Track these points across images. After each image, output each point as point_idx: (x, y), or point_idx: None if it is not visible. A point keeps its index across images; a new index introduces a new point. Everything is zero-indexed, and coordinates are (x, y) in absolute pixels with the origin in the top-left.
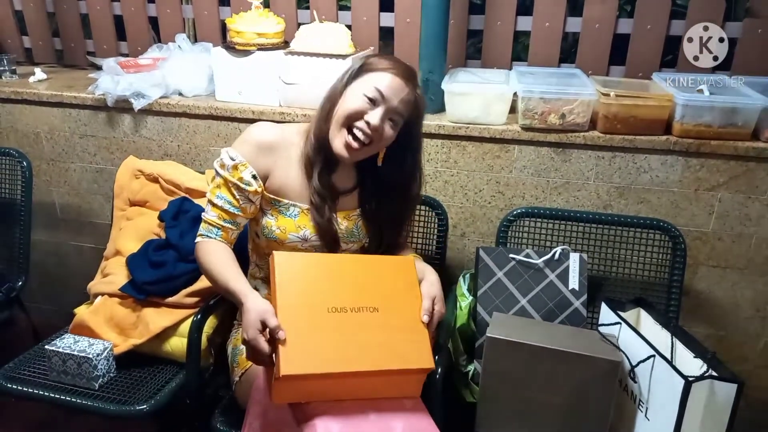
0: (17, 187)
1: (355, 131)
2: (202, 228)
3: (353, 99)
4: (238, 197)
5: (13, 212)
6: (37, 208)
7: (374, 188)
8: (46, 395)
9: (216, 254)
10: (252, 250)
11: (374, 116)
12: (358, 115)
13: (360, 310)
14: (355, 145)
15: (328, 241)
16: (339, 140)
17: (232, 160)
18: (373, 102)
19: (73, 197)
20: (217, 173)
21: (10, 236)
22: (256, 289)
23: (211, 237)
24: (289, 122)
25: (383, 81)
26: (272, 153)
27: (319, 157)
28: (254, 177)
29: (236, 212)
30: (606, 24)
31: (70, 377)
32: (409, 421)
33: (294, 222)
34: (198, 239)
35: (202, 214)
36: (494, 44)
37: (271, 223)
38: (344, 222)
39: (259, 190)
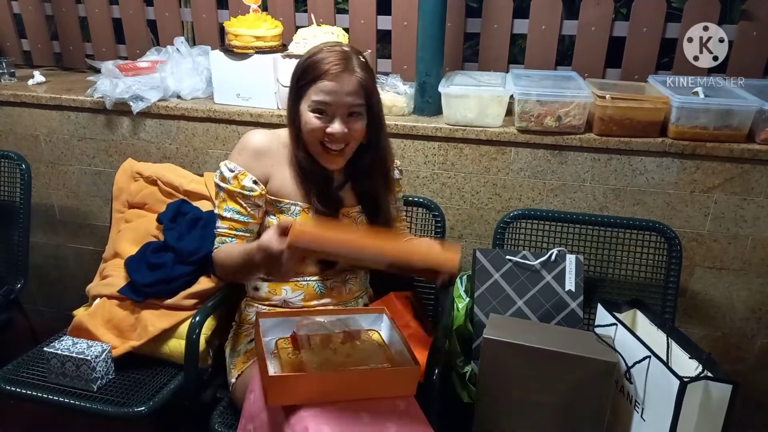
0: (16, 189)
1: (328, 144)
2: (217, 242)
3: (307, 120)
4: (245, 205)
5: (12, 215)
6: (36, 211)
7: (361, 177)
8: (44, 397)
9: (225, 250)
10: None
11: (334, 126)
12: (319, 132)
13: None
14: (333, 153)
15: None
16: (322, 158)
17: (231, 171)
18: (325, 113)
19: (72, 200)
20: (219, 187)
21: (8, 239)
22: (255, 289)
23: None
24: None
25: (321, 91)
26: (268, 157)
27: (308, 178)
28: (255, 182)
29: (247, 220)
30: (602, 27)
31: (69, 379)
32: (402, 422)
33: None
34: (214, 252)
35: (215, 229)
36: (491, 47)
37: (275, 223)
38: (344, 219)
39: (264, 192)
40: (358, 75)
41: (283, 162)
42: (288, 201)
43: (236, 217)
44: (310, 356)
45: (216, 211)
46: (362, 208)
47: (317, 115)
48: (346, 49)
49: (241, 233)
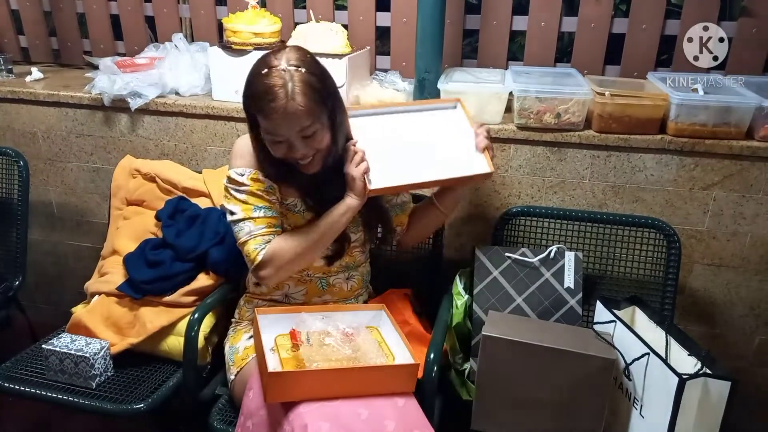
0: (14, 186)
1: (298, 161)
2: (256, 245)
3: (271, 149)
4: (272, 200)
5: (10, 212)
6: (34, 208)
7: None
8: (43, 394)
9: (286, 240)
10: None
11: (297, 152)
12: (286, 157)
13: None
14: (309, 165)
15: (337, 240)
16: (298, 168)
17: (242, 175)
18: (282, 143)
19: (70, 196)
20: (236, 193)
21: (7, 236)
22: (257, 284)
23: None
24: None
25: (269, 130)
26: None
27: (293, 186)
28: (267, 176)
29: (277, 215)
30: (601, 23)
31: (68, 376)
32: (401, 419)
33: (301, 217)
34: (259, 257)
35: (247, 235)
36: (490, 44)
37: (281, 222)
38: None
39: (276, 187)
40: (297, 102)
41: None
42: (291, 199)
43: (270, 213)
44: (309, 353)
45: (240, 216)
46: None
47: (275, 145)
48: (283, 69)
49: (278, 229)
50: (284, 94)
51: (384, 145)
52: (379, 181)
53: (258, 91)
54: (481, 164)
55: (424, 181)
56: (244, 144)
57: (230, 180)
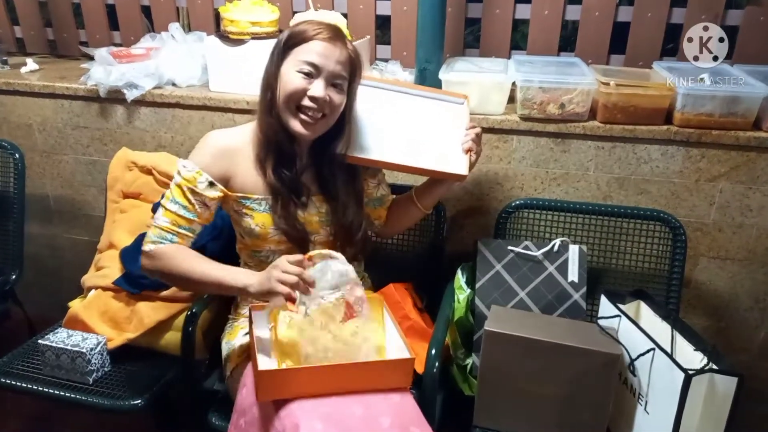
0: (10, 179)
1: (304, 110)
2: (153, 235)
3: (289, 79)
4: (193, 201)
5: (6, 205)
6: (30, 201)
7: (326, 163)
8: (40, 390)
9: (180, 254)
10: (240, 249)
11: (316, 89)
12: (300, 93)
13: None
14: (308, 119)
15: (296, 238)
16: (294, 123)
17: (185, 167)
18: (310, 76)
19: (67, 189)
20: (174, 180)
21: (3, 229)
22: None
23: (165, 243)
24: None
25: (312, 51)
26: (230, 156)
27: (271, 152)
28: (211, 183)
29: (192, 217)
30: (606, 12)
31: (64, 372)
32: (397, 416)
33: (270, 216)
34: (149, 247)
35: (152, 221)
36: (492, 32)
37: (249, 222)
38: (313, 210)
39: (220, 195)
40: (348, 48)
41: (248, 158)
42: (256, 196)
43: (181, 212)
44: (308, 328)
45: (161, 202)
46: (324, 197)
47: (303, 75)
48: (339, 28)
49: (183, 231)
50: (337, 34)
51: (377, 118)
52: (356, 151)
53: (311, 25)
54: (458, 164)
55: (399, 163)
56: (212, 140)
57: (177, 169)
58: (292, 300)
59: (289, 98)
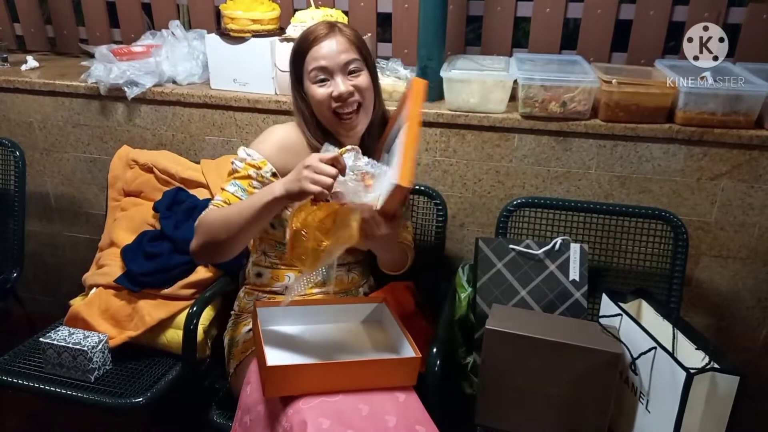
0: (10, 177)
1: (340, 112)
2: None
3: (313, 93)
4: (255, 186)
5: (6, 203)
6: (30, 199)
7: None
8: (41, 388)
9: (216, 210)
10: (262, 239)
11: (337, 87)
12: (328, 100)
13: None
14: (349, 119)
15: None
16: (339, 129)
17: (251, 157)
18: (326, 80)
19: (67, 187)
20: (235, 166)
21: (4, 227)
22: (258, 275)
23: None
24: (285, 111)
25: (315, 57)
26: (292, 152)
27: None
28: (274, 174)
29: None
30: (608, 9)
31: (66, 370)
32: (403, 415)
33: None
34: (198, 222)
35: (211, 202)
36: (494, 30)
37: (288, 214)
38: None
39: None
40: (345, 33)
41: (303, 156)
42: None
43: (239, 194)
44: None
45: (222, 185)
46: None
47: (320, 84)
48: (331, 20)
49: None
50: (330, 28)
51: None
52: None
53: (305, 34)
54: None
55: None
56: (278, 136)
57: (238, 155)
58: (324, 199)
59: (322, 109)
